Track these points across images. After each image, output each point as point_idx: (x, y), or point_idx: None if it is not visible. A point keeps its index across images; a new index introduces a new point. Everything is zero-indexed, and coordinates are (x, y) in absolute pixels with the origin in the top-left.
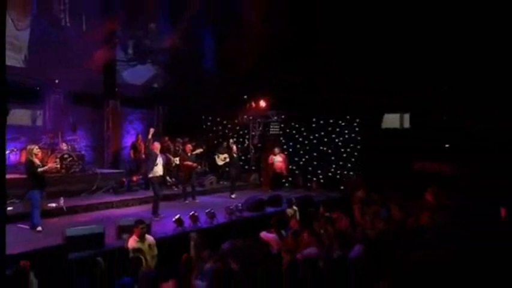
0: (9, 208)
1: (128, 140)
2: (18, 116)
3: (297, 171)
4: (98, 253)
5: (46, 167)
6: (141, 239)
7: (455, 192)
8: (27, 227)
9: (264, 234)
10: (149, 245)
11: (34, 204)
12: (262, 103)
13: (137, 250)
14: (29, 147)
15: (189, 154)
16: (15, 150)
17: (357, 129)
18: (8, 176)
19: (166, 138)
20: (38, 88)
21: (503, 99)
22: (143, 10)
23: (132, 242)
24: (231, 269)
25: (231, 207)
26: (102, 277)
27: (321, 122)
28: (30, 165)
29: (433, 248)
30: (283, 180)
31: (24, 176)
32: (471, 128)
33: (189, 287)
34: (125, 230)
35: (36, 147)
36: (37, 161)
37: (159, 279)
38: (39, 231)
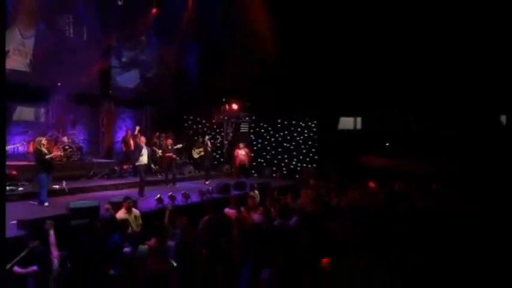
0: (20, 188)
1: (120, 135)
2: (25, 113)
3: (264, 164)
4: (94, 221)
5: (52, 155)
6: (128, 211)
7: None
8: (36, 203)
9: (227, 210)
10: (135, 216)
11: (42, 185)
12: (235, 106)
13: (125, 220)
14: (37, 139)
15: (169, 147)
16: (24, 143)
17: (314, 129)
18: (18, 163)
19: (157, 134)
20: (43, 89)
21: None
22: (136, 25)
23: (121, 214)
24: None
25: (203, 190)
26: (98, 235)
27: (285, 123)
28: (38, 154)
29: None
30: (253, 171)
31: (31, 163)
32: (411, 130)
33: (164, 246)
34: (115, 205)
35: (44, 139)
36: (45, 150)
37: (144, 239)
38: (46, 206)
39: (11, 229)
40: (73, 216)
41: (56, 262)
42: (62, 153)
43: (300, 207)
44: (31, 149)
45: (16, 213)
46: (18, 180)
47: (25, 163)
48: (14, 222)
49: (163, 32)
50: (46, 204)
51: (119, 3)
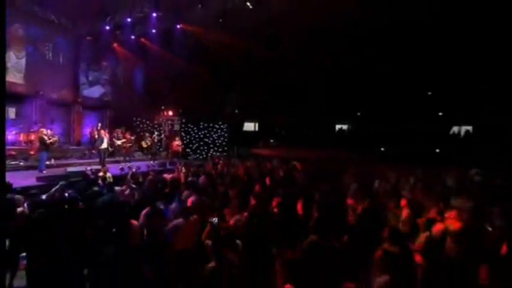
0: (21, 163)
1: (86, 130)
2: (17, 112)
3: (191, 152)
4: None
5: (51, 141)
6: (105, 173)
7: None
8: (37, 171)
9: (165, 175)
10: (108, 176)
11: (42, 159)
12: (171, 112)
13: (105, 178)
14: (41, 129)
15: (127, 139)
16: (14, 133)
17: (225, 130)
18: (14, 147)
19: (119, 130)
20: (30, 96)
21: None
22: (100, 54)
23: (101, 174)
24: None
25: (149, 165)
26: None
27: (205, 125)
28: (42, 139)
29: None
30: (182, 156)
31: (22, 148)
32: (287, 132)
33: (129, 188)
34: (95, 170)
35: (45, 130)
36: (45, 137)
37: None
38: (45, 173)
39: (32, 181)
40: (70, 176)
41: (66, 194)
42: (57, 139)
43: (206, 171)
44: (34, 137)
45: (27, 176)
46: (17, 158)
47: (17, 147)
48: (34, 179)
49: (121, 59)
50: (44, 172)
51: (88, 38)
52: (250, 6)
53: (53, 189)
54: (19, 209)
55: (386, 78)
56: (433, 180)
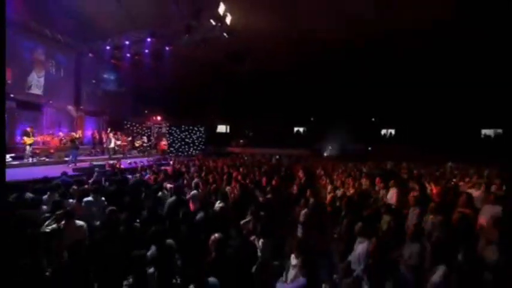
0: (46, 159)
1: (88, 132)
2: (33, 117)
3: (174, 151)
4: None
5: (77, 136)
6: (119, 165)
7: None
8: (67, 165)
9: (164, 167)
10: (120, 168)
11: (73, 155)
12: (159, 117)
13: (122, 169)
14: (72, 133)
15: (124, 140)
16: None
17: (202, 131)
18: (38, 146)
19: (119, 133)
20: (43, 105)
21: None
22: (100, 70)
23: (118, 166)
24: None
25: (148, 160)
26: (113, 174)
27: (186, 127)
28: (73, 139)
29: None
30: (169, 154)
31: (41, 147)
32: (254, 133)
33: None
34: (115, 163)
35: (74, 133)
36: (74, 138)
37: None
38: (71, 166)
39: (70, 172)
40: (94, 167)
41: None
42: (78, 137)
43: (195, 164)
44: (49, 138)
45: (61, 168)
46: (41, 155)
47: (37, 147)
48: (70, 169)
49: (117, 73)
50: (70, 166)
51: (90, 55)
52: (226, 36)
53: (94, 176)
54: (74, 187)
55: (334, 92)
56: (354, 168)
